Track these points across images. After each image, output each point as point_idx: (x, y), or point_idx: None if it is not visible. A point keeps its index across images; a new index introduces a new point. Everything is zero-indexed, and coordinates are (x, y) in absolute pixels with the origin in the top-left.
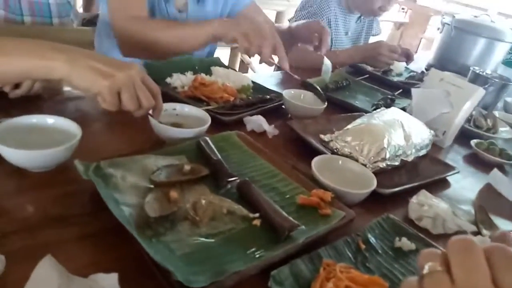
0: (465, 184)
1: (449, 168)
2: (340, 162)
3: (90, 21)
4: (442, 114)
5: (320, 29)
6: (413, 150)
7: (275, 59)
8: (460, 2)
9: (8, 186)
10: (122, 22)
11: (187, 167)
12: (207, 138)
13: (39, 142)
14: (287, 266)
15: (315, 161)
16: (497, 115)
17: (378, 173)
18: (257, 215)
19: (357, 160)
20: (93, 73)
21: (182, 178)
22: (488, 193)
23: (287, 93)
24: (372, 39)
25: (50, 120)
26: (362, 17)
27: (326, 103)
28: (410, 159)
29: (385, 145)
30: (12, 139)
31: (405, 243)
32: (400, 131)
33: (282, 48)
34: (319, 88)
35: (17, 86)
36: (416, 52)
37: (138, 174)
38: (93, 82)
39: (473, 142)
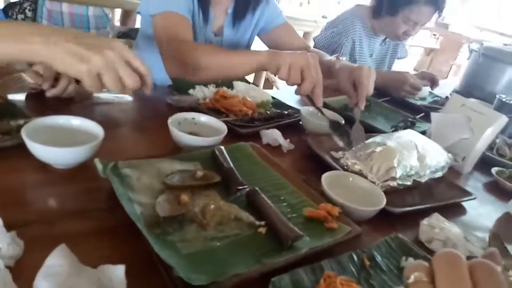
0: (482, 211)
1: (465, 193)
2: (350, 179)
3: (125, 34)
4: (462, 140)
5: (359, 82)
6: (427, 172)
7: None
8: (495, 31)
9: (33, 179)
10: (171, 43)
11: (199, 173)
12: (222, 147)
13: (65, 141)
14: (288, 274)
15: (325, 176)
16: None
17: (390, 192)
18: (263, 223)
19: (366, 178)
20: (71, 57)
21: (194, 183)
22: (507, 222)
23: (305, 110)
24: (397, 62)
25: (76, 121)
26: (387, 40)
27: (343, 122)
28: (423, 180)
29: (395, 164)
30: (40, 137)
31: (411, 263)
32: (414, 152)
33: (321, 87)
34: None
35: (53, 85)
36: (446, 78)
37: (153, 176)
38: (71, 66)
39: (494, 169)
